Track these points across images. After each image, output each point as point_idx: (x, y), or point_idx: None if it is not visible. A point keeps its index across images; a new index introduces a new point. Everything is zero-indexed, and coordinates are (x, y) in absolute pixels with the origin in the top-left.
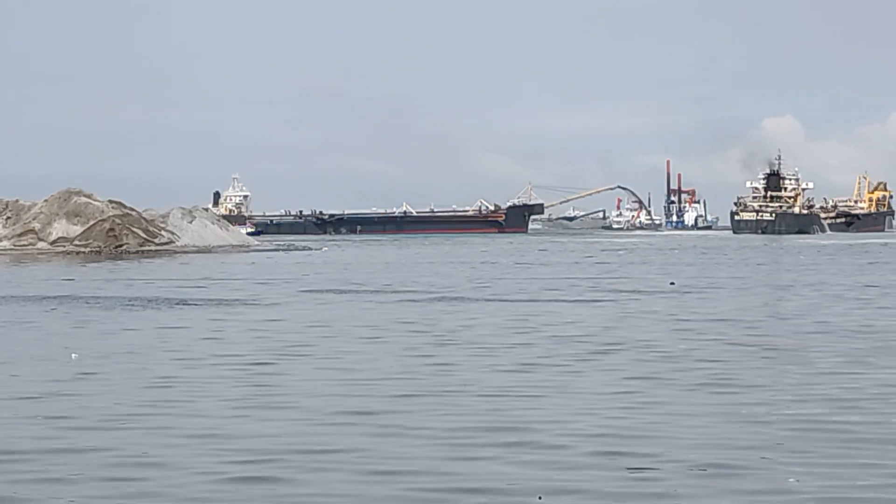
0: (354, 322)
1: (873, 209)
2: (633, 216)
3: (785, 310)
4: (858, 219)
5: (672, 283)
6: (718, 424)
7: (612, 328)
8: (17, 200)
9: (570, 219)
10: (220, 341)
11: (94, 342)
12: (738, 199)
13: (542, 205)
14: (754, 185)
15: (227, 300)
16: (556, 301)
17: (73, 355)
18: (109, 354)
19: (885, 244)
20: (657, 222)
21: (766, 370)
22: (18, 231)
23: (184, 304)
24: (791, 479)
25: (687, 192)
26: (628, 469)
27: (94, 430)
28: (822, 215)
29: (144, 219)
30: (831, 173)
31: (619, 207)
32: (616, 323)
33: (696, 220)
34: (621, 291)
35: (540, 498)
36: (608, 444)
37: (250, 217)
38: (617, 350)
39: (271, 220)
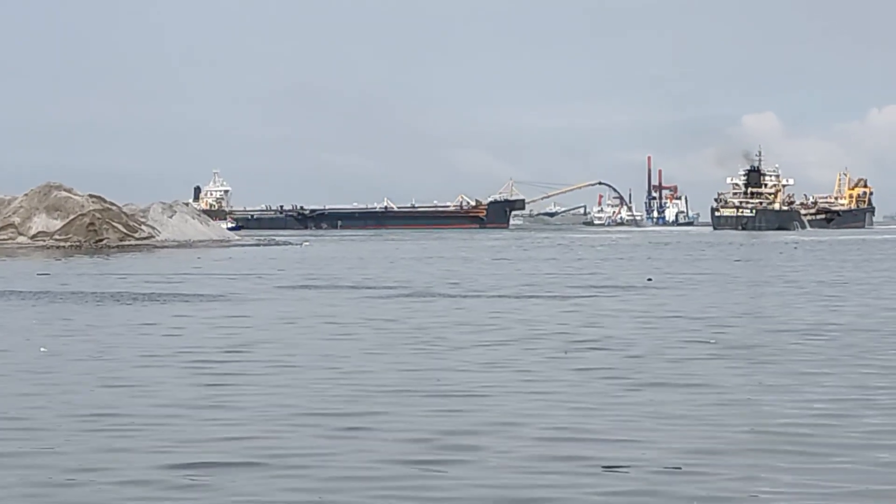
0: (323, 319)
1: (853, 206)
2: (614, 212)
3: (759, 308)
4: (839, 215)
5: (650, 280)
6: (682, 425)
7: (583, 325)
8: None
9: (552, 214)
10: (181, 338)
11: (57, 337)
12: (719, 195)
13: (523, 200)
14: (734, 181)
15: (199, 295)
16: (530, 297)
17: (42, 349)
18: (65, 351)
19: (864, 240)
20: (638, 218)
21: (734, 370)
22: None
23: (155, 300)
24: (763, 477)
25: (669, 189)
26: (592, 470)
27: (25, 431)
28: (803, 212)
29: (125, 213)
30: (811, 170)
31: (600, 203)
32: (589, 320)
33: (676, 216)
34: (598, 287)
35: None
36: (568, 445)
37: (231, 212)
38: (586, 348)
39: (252, 215)
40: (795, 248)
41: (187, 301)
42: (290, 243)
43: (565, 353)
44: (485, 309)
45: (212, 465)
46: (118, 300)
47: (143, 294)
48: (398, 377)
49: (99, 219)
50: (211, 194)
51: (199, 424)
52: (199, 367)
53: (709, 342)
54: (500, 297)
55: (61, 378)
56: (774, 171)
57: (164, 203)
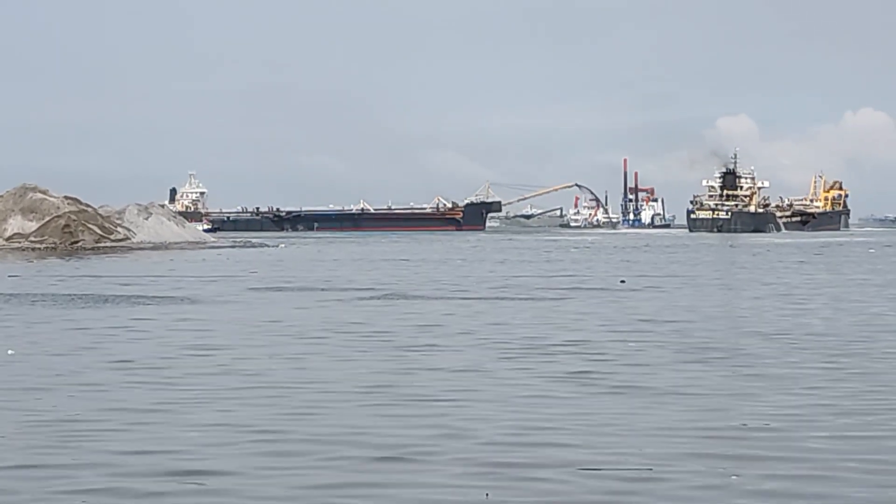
0: (287, 322)
1: (829, 208)
2: (590, 214)
3: (729, 311)
4: (814, 218)
5: (622, 282)
6: (629, 434)
7: (553, 328)
8: None
9: (528, 216)
10: (144, 342)
11: (24, 340)
12: (695, 197)
13: (499, 202)
14: (710, 183)
15: (167, 297)
16: (501, 299)
17: (10, 351)
18: (32, 355)
19: (838, 243)
20: (614, 220)
21: (703, 374)
22: None
23: (124, 302)
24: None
25: (646, 191)
26: (562, 473)
27: None
28: (778, 214)
29: (100, 215)
30: (785, 173)
31: (576, 205)
32: (558, 322)
33: (652, 218)
34: (570, 289)
35: (487, 495)
36: (535, 449)
37: (207, 214)
38: (558, 352)
39: (228, 217)
40: (769, 250)
41: (157, 304)
42: (266, 245)
43: None
44: (453, 312)
45: (140, 490)
46: (88, 303)
47: (114, 296)
48: (357, 383)
49: (74, 220)
50: (187, 196)
51: (135, 437)
52: (152, 372)
53: (670, 345)
54: (471, 299)
55: (22, 382)
56: (750, 173)
57: (139, 205)
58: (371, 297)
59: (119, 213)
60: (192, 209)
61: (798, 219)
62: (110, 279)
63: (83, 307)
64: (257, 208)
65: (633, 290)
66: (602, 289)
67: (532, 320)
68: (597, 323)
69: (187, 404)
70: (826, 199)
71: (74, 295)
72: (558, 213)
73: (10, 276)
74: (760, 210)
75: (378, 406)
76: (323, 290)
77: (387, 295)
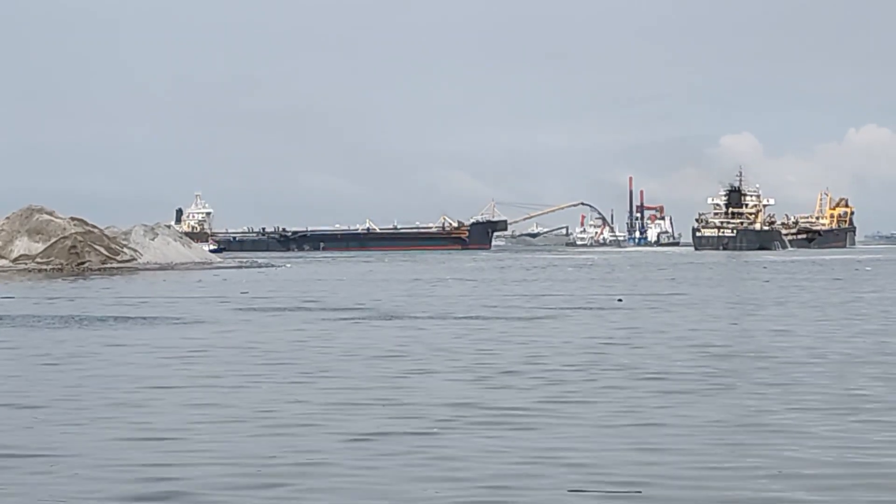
0: (252, 344)
1: (835, 225)
2: (596, 232)
3: (719, 332)
4: (820, 235)
5: (620, 300)
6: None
7: (530, 349)
8: None
9: (534, 235)
10: (111, 366)
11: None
12: (700, 215)
13: (505, 221)
14: (715, 201)
15: (145, 318)
16: (495, 318)
17: None
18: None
19: (841, 260)
20: (621, 239)
21: (680, 405)
22: None
23: (95, 324)
24: None
25: (654, 209)
26: None
27: None
28: (784, 231)
29: (106, 236)
30: (789, 190)
31: (582, 224)
32: (541, 343)
33: (658, 236)
34: (565, 308)
35: None
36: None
37: (213, 234)
38: (522, 376)
39: (234, 238)
40: (765, 267)
41: (134, 325)
42: (272, 265)
43: None
44: (435, 332)
45: None
46: (68, 324)
47: (97, 318)
48: (303, 417)
49: (81, 242)
50: (193, 216)
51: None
52: (79, 400)
53: (648, 371)
54: (459, 318)
55: None
56: (755, 191)
57: (145, 225)
58: (360, 318)
59: (125, 233)
60: (199, 229)
61: (804, 236)
62: (99, 301)
63: (66, 329)
64: (263, 228)
65: (631, 309)
66: (599, 307)
67: (512, 341)
68: (578, 342)
69: (80, 441)
70: (832, 216)
71: (57, 316)
72: (564, 231)
73: (2, 297)
74: (766, 227)
75: (322, 442)
76: (311, 309)
77: (377, 315)
